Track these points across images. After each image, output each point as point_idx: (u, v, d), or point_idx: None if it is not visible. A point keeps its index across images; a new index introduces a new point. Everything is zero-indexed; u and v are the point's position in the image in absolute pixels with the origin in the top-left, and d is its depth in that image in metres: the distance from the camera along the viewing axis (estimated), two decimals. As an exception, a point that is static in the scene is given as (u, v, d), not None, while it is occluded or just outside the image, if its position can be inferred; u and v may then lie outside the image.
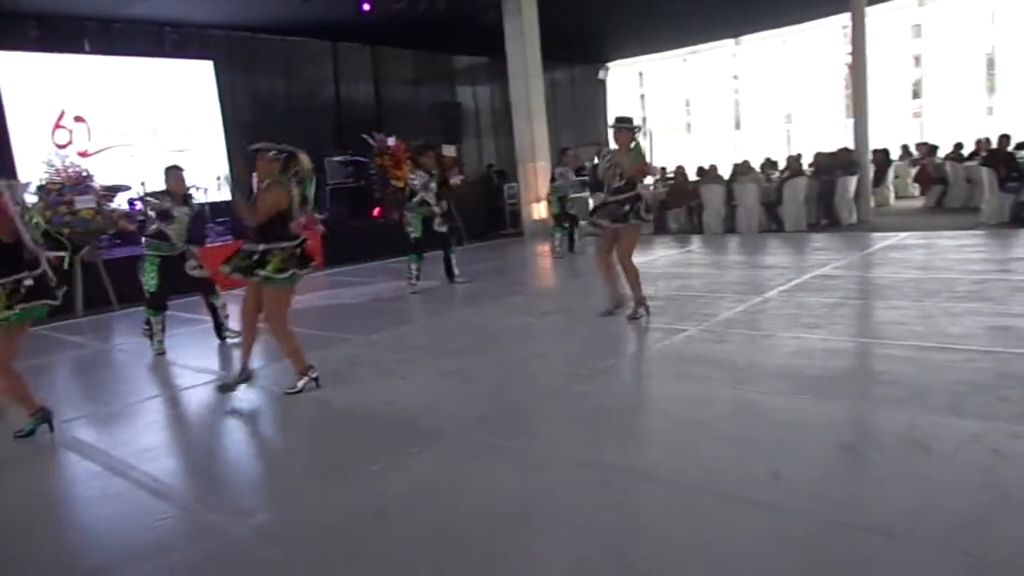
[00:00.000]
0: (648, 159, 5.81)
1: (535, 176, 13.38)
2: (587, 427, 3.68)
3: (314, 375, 4.59)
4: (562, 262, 10.11)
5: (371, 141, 12.65)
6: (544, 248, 11.89)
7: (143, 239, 6.12)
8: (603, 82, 20.15)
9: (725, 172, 12.70)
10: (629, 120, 5.80)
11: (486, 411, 3.99)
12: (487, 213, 15.31)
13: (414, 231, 8.20)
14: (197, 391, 5.11)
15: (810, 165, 12.38)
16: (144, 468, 3.51)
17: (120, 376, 5.97)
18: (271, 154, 4.43)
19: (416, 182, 8.24)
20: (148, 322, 6.18)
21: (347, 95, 14.62)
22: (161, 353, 6.11)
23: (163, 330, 6.21)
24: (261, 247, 4.34)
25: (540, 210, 13.72)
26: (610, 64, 19.91)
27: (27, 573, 2.68)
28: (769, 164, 13.39)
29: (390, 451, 3.45)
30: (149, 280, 6.05)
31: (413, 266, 8.20)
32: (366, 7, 11.23)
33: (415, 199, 8.23)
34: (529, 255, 11.83)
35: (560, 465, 3.20)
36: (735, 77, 18.59)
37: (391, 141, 12.76)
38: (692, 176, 13.23)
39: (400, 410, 4.09)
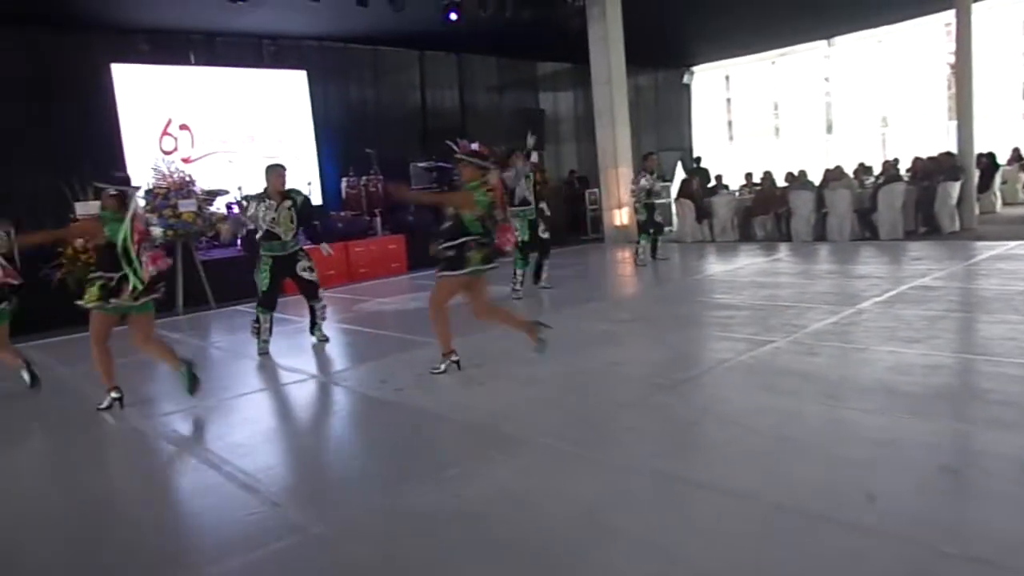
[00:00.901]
0: (481, 202, 4.82)
1: (617, 182, 13.28)
2: (667, 439, 3.61)
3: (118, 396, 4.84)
4: (644, 270, 9.97)
5: (454, 147, 12.83)
6: (625, 255, 11.76)
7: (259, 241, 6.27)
8: (688, 86, 19.80)
9: (815, 177, 12.24)
10: (475, 155, 5.11)
11: (564, 419, 3.97)
12: (568, 219, 15.28)
13: (520, 234, 7.99)
14: (287, 389, 5.32)
15: (908, 170, 11.78)
16: (236, 463, 3.67)
17: (216, 372, 6.25)
18: (110, 191, 4.73)
19: (511, 178, 8.02)
20: (257, 320, 6.29)
21: (433, 102, 14.94)
22: (264, 353, 6.25)
23: (270, 330, 6.30)
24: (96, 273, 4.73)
25: (621, 216, 13.59)
26: (695, 68, 19.54)
27: (118, 561, 2.83)
28: (863, 169, 12.80)
29: (468, 456, 3.49)
30: (263, 280, 6.19)
31: (518, 271, 8.05)
32: (453, 16, 11.41)
33: (516, 198, 8.08)
34: (610, 262, 11.73)
35: (638, 477, 3.15)
36: (827, 79, 17.85)
37: (474, 147, 12.90)
38: (780, 182, 12.82)
39: (479, 415, 4.12)
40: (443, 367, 4.98)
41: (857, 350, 4.84)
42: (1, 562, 2.87)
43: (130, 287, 4.61)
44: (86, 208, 8.74)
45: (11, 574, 2.77)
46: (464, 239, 4.76)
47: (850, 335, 5.23)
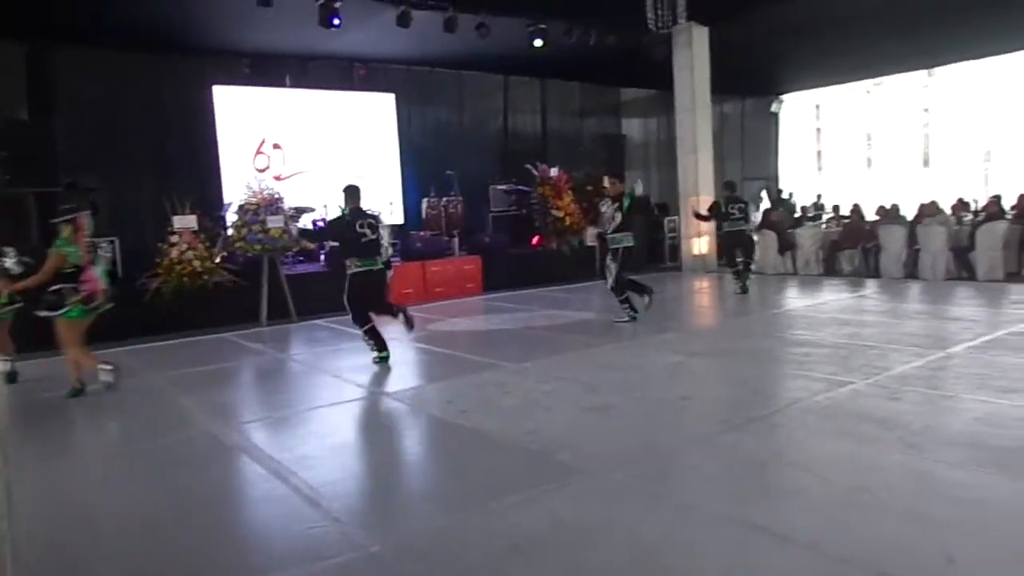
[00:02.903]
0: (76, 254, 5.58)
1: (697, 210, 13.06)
2: (735, 480, 3.50)
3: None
4: (722, 301, 9.72)
5: (534, 171, 12.95)
6: (703, 284, 11.53)
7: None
8: (776, 115, 19.35)
9: (909, 212, 11.70)
10: (66, 209, 5.77)
11: (628, 452, 3.91)
12: (646, 246, 15.11)
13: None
14: (357, 405, 5.44)
15: (1013, 208, 11.10)
16: (302, 475, 3.77)
17: (292, 384, 6.47)
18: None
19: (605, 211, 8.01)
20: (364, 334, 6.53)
21: (515, 126, 15.14)
22: (383, 358, 6.46)
23: (373, 340, 6.50)
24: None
25: (700, 245, 13.35)
26: (784, 96, 19.09)
27: (178, 565, 2.94)
28: (961, 205, 12.15)
29: (529, 484, 3.47)
30: (346, 297, 6.44)
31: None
32: (538, 43, 11.54)
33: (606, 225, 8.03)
34: (686, 291, 11.52)
35: (702, 518, 3.06)
36: (926, 110, 17.08)
37: (553, 172, 12.99)
38: (870, 215, 12.31)
39: (542, 442, 4.10)
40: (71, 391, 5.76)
41: (944, 397, 4.58)
42: (63, 567, 3.02)
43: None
44: (183, 222, 9.26)
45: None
46: (60, 286, 5.63)
47: (937, 381, 4.95)
